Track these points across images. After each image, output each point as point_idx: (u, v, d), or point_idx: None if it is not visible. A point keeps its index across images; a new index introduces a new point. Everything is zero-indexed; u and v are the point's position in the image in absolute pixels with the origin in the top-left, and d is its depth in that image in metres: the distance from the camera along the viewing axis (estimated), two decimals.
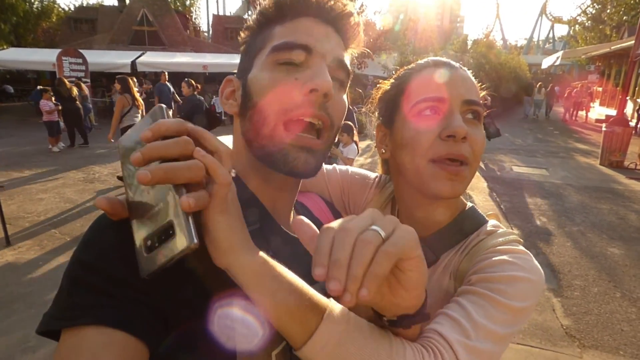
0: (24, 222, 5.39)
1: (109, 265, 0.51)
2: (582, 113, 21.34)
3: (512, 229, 0.95)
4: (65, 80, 10.60)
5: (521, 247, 0.76)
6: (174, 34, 23.58)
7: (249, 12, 33.46)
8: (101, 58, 17.33)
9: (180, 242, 0.46)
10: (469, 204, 0.89)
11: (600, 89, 21.63)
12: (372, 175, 1.03)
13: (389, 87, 0.90)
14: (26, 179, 7.57)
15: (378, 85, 0.94)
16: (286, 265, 0.58)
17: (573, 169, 9.28)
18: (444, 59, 0.85)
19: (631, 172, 8.97)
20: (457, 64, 0.84)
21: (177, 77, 20.43)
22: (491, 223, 0.85)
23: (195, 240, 0.45)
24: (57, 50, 15.66)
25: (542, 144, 12.73)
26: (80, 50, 15.67)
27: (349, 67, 0.71)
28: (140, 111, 7.31)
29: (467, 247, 0.81)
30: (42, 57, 16.57)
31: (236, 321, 0.57)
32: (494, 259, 0.72)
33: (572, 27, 31.59)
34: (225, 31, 28.53)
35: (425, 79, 0.81)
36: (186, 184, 0.49)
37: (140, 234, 0.50)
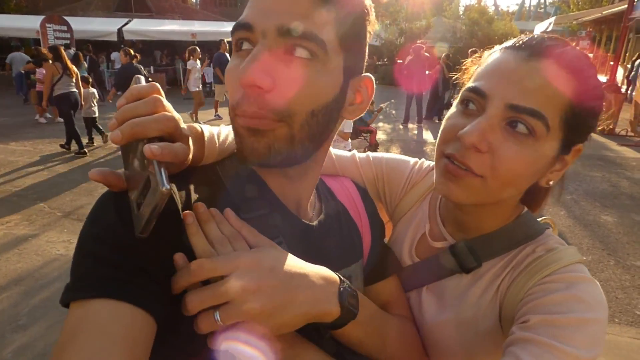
0: (11, 197, 5.28)
1: (115, 235, 0.51)
2: None
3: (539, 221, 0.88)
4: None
5: (587, 274, 0.65)
6: (161, 1, 22.78)
7: None
8: (87, 25, 16.74)
9: (154, 190, 0.46)
10: (525, 209, 0.77)
11: (591, 55, 21.54)
12: (412, 160, 0.93)
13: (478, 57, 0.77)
14: (11, 151, 7.39)
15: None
16: (298, 251, 0.59)
17: None
18: (544, 40, 0.66)
19: (623, 139, 9.00)
20: (560, 50, 0.63)
21: (166, 45, 20.06)
22: (549, 234, 0.74)
23: (167, 186, 0.46)
24: (41, 17, 15.09)
25: None
26: (65, 17, 15.14)
27: (318, 32, 0.54)
28: (73, 80, 7.20)
29: (520, 262, 0.70)
30: (25, 24, 15.91)
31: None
32: (558, 294, 0.61)
33: None
34: None
35: (489, 64, 0.68)
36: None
37: (133, 198, 0.52)
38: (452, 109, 0.72)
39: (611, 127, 9.43)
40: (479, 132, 0.62)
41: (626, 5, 9.47)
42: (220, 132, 0.68)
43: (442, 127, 0.71)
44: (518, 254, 0.72)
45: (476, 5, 27.92)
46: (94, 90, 8.01)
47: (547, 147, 0.64)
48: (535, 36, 0.67)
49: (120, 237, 0.50)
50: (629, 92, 12.66)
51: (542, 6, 62.44)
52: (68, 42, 14.37)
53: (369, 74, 0.65)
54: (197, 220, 0.55)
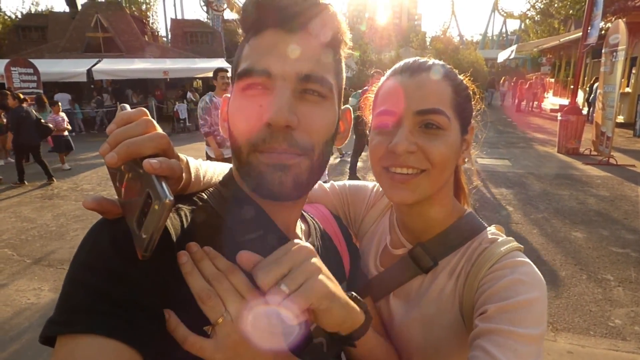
0: None
1: (109, 265, 0.51)
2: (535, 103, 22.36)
3: (481, 220, 0.99)
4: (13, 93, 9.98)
5: (524, 258, 0.77)
6: (131, 40, 22.87)
7: (208, 15, 32.97)
8: (54, 67, 16.66)
9: (157, 204, 0.47)
10: (468, 210, 0.90)
11: (552, 79, 22.60)
12: (370, 184, 1.07)
13: (373, 92, 0.91)
14: None
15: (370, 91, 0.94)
16: None
17: (533, 158, 9.63)
18: (416, 61, 0.84)
19: (587, 158, 9.37)
20: (428, 65, 0.82)
21: (138, 84, 20.02)
22: (491, 230, 0.86)
23: (170, 197, 0.46)
24: (5, 61, 14.86)
25: (503, 136, 13.13)
26: (31, 60, 14.99)
27: (329, 76, 0.64)
28: None
29: (471, 256, 0.81)
30: None
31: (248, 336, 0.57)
32: (504, 280, 0.72)
33: (523, 22, 32.85)
34: (185, 35, 27.93)
35: (386, 89, 0.83)
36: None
37: (132, 221, 0.51)
38: (372, 134, 0.84)
39: (575, 146, 9.84)
40: (405, 138, 0.76)
41: (581, 33, 10.05)
42: (200, 163, 0.73)
43: (370, 150, 0.84)
44: (468, 248, 0.83)
45: (442, 36, 29.16)
46: None
47: (454, 133, 0.80)
48: (409, 60, 0.85)
49: (115, 267, 0.50)
50: (590, 113, 13.31)
51: (504, 35, 65.54)
52: (35, 84, 14.16)
53: (347, 105, 0.77)
54: (192, 260, 0.56)
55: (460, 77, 0.85)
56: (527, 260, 0.76)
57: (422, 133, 0.77)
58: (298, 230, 0.76)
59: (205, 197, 0.69)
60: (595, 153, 9.61)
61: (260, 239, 0.65)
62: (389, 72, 0.86)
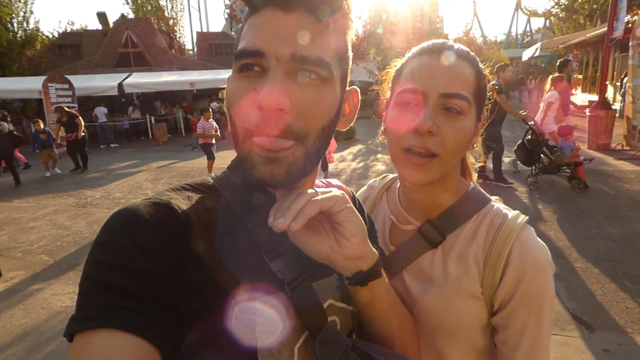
0: (15, 253, 5.31)
1: (120, 255, 0.50)
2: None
3: (484, 193, 1.06)
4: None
5: (533, 235, 0.82)
6: (159, 54, 23.59)
7: (233, 29, 33.63)
8: (87, 82, 17.32)
9: None
10: (472, 185, 0.92)
11: (580, 76, 21.92)
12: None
13: (395, 67, 0.91)
14: (15, 207, 7.48)
15: (390, 64, 0.95)
16: (301, 254, 0.63)
17: None
18: (445, 43, 0.84)
19: (619, 153, 9.02)
20: (455, 48, 0.83)
21: (165, 96, 20.57)
22: (495, 203, 0.90)
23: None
24: (43, 78, 15.65)
25: None
26: (66, 76, 15.66)
27: (327, 56, 0.60)
28: None
29: (487, 231, 0.84)
30: (27, 85, 16.50)
31: (257, 316, 0.57)
32: (526, 277, 0.78)
33: (548, 19, 32.07)
34: (210, 47, 28.62)
35: (412, 68, 0.83)
36: None
37: None
38: (393, 112, 0.85)
39: (606, 142, 9.50)
40: (429, 118, 0.77)
41: (607, 28, 9.76)
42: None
43: (388, 125, 0.85)
44: (479, 224, 0.85)
45: (464, 37, 28.77)
46: None
47: (470, 119, 0.82)
48: (437, 41, 0.86)
49: (128, 260, 0.50)
50: (621, 108, 12.84)
51: (529, 34, 64.12)
52: (70, 99, 14.79)
53: (354, 86, 0.71)
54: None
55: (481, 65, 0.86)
56: (537, 239, 0.82)
57: (443, 115, 0.78)
58: None
59: (212, 182, 0.68)
60: (628, 148, 9.24)
61: (263, 209, 0.63)
62: (414, 50, 0.87)
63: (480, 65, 0.86)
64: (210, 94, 21.32)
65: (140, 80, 18.01)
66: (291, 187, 0.63)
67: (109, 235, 0.53)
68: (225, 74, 19.93)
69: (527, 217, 0.84)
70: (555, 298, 0.73)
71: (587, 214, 5.51)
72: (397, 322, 0.75)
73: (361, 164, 9.81)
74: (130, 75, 18.53)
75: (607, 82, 10.49)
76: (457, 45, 0.84)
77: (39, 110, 16.86)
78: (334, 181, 0.91)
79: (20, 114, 19.01)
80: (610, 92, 15.22)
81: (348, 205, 0.59)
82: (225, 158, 11.84)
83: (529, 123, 6.76)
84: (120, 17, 26.48)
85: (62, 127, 10.79)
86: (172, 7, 37.87)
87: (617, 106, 12.32)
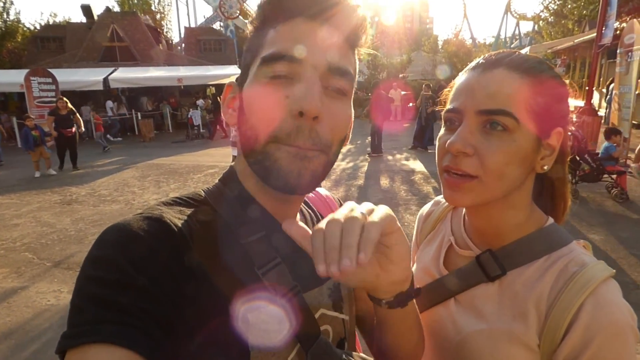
0: None
1: (114, 271, 0.50)
2: None
3: (567, 234, 0.79)
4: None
5: (617, 295, 0.69)
6: (145, 49, 23.27)
7: (220, 23, 33.35)
8: (72, 76, 16.99)
9: None
10: (551, 221, 0.80)
11: (567, 81, 22.29)
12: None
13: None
14: None
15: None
16: (294, 265, 0.63)
17: None
18: (498, 55, 0.77)
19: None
20: (506, 60, 0.74)
21: (152, 91, 20.32)
22: (575, 247, 0.77)
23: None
24: (25, 71, 15.27)
25: None
26: (49, 70, 15.34)
27: (352, 71, 0.63)
28: None
29: (557, 277, 0.72)
30: (8, 79, 16.10)
31: (250, 330, 0.57)
32: (599, 338, 0.65)
33: (537, 23, 32.50)
34: (198, 43, 28.32)
35: (456, 86, 0.79)
36: None
37: None
38: (441, 131, 0.81)
39: (591, 148, 9.66)
40: (461, 138, 0.72)
41: (595, 34, 9.92)
42: None
43: (436, 147, 0.80)
44: (549, 267, 0.74)
45: (454, 39, 29.01)
46: None
47: (523, 136, 0.72)
48: (491, 54, 0.78)
49: (122, 275, 0.50)
50: (606, 115, 13.08)
51: (517, 37, 64.92)
52: (53, 93, 14.48)
53: None
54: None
55: (554, 72, 0.76)
56: (620, 298, 0.69)
57: (485, 134, 0.71)
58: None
59: (204, 195, 0.67)
60: None
61: (264, 239, 0.63)
62: (467, 67, 0.81)
63: (548, 73, 0.75)
64: (198, 90, 21.15)
65: (126, 75, 17.77)
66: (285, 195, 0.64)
67: (101, 251, 0.52)
68: (213, 70, 19.95)
69: (613, 272, 0.71)
70: None
71: (572, 219, 5.59)
72: (417, 336, 0.76)
73: (350, 164, 9.84)
74: (116, 69, 18.26)
75: (593, 88, 10.67)
76: (512, 55, 0.76)
77: (21, 105, 16.50)
78: (322, 190, 0.91)
79: (1, 109, 18.56)
80: (596, 99, 15.49)
81: (398, 226, 0.55)
82: (213, 155, 11.81)
83: (570, 129, 6.66)
84: (105, 10, 26.01)
85: (53, 120, 10.01)
86: (159, 0, 37.38)
87: (602, 112, 12.54)
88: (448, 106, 0.78)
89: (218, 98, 16.85)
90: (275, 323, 0.59)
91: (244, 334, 0.56)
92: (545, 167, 0.76)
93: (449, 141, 0.73)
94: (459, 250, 0.86)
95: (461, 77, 0.79)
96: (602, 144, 9.71)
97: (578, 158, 6.38)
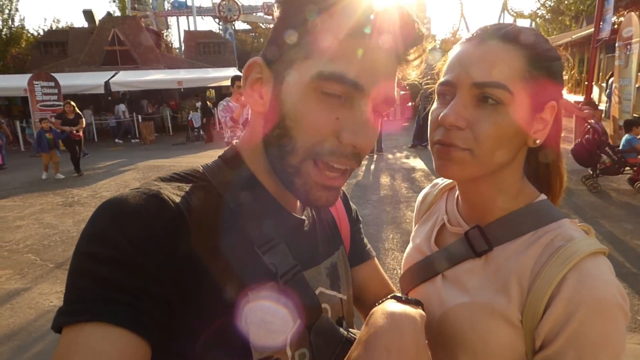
0: (1, 252, 5.21)
1: (116, 252, 0.50)
2: None
3: (558, 210, 0.76)
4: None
5: (606, 272, 0.65)
6: (146, 52, 23.28)
7: (220, 26, 33.42)
8: (74, 80, 17.06)
9: None
10: (541, 197, 0.78)
11: (566, 77, 22.30)
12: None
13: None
14: (1, 206, 7.34)
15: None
16: (294, 246, 0.65)
17: None
18: (494, 26, 0.74)
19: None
20: (502, 31, 0.71)
21: (152, 94, 20.35)
22: (565, 223, 0.73)
23: None
24: (28, 75, 15.38)
25: None
26: (52, 74, 15.40)
27: (396, 97, 0.65)
28: None
29: (541, 252, 0.70)
30: (12, 83, 16.24)
31: (249, 308, 0.57)
32: (579, 314, 0.62)
33: (534, 21, 32.42)
34: (198, 46, 28.33)
35: (451, 57, 0.76)
36: None
37: None
38: (434, 104, 0.79)
39: None
40: (454, 112, 0.70)
41: (593, 29, 9.91)
42: None
43: (429, 120, 0.79)
44: (535, 240, 0.72)
45: (451, 38, 29.01)
46: None
47: (517, 109, 0.69)
48: (487, 25, 0.76)
49: (118, 252, 0.49)
50: (607, 108, 13.06)
51: None
52: (55, 97, 14.54)
53: None
54: None
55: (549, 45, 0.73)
56: (609, 275, 0.65)
57: (478, 107, 0.70)
58: (296, 202, 0.73)
59: (202, 171, 0.66)
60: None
61: (263, 220, 0.63)
62: (461, 39, 0.78)
63: (544, 46, 0.72)
64: (198, 92, 21.18)
65: (127, 78, 17.79)
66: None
67: (97, 227, 0.52)
68: (213, 72, 19.99)
69: (604, 249, 0.68)
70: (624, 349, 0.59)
71: (576, 213, 5.58)
72: None
73: None
74: (117, 73, 18.30)
75: (592, 83, 10.67)
76: (508, 27, 0.73)
77: (24, 109, 16.55)
78: None
79: (4, 113, 18.63)
80: (595, 93, 15.46)
81: None
82: (213, 157, 11.76)
83: (590, 122, 6.39)
84: (106, 14, 26.08)
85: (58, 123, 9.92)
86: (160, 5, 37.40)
87: (602, 107, 12.52)
88: (441, 79, 0.76)
89: (207, 102, 16.96)
90: (276, 301, 0.59)
91: (244, 315, 0.56)
92: (538, 142, 0.75)
93: (441, 114, 0.71)
94: (450, 228, 0.85)
95: (455, 49, 0.77)
96: None
97: (599, 151, 6.19)
